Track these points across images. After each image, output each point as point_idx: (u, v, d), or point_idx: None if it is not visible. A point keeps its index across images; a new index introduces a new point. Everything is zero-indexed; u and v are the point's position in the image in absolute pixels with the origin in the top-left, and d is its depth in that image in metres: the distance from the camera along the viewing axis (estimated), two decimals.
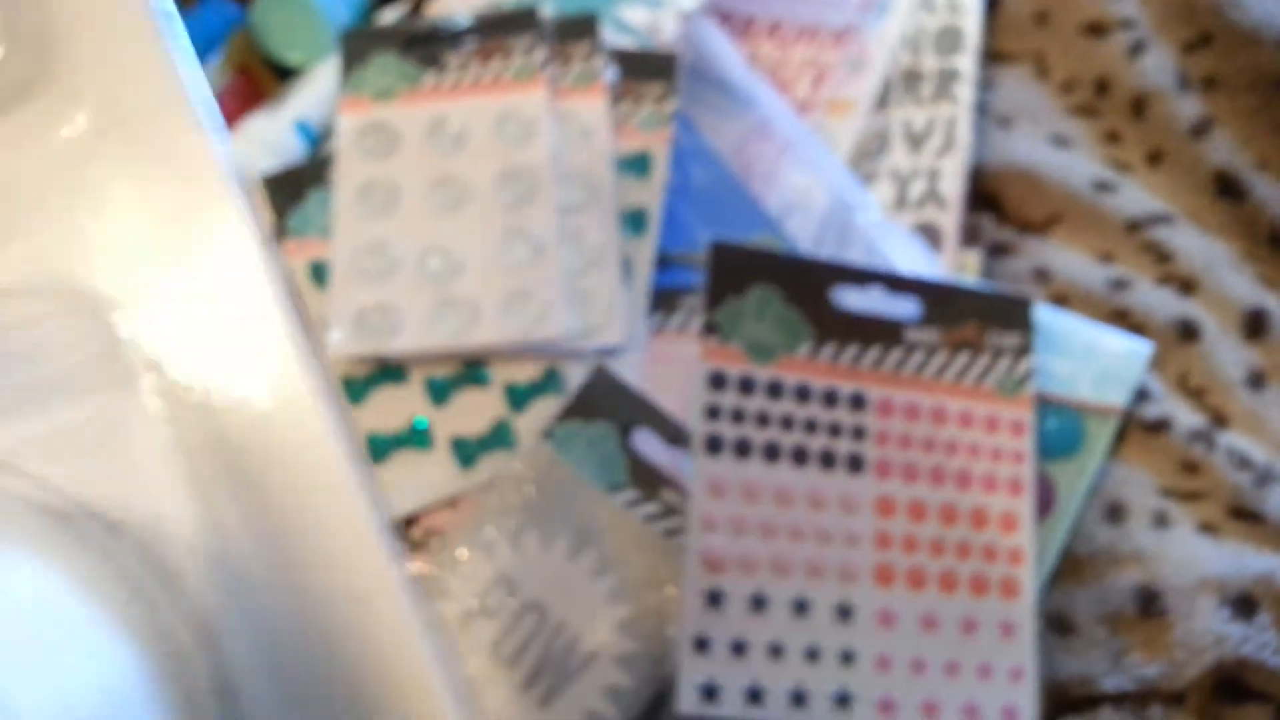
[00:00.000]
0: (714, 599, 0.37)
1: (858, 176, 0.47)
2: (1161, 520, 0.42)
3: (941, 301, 0.41)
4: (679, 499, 0.39)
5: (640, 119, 0.44)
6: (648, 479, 0.39)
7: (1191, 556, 0.41)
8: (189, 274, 0.21)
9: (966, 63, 0.48)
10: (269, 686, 0.21)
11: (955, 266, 0.45)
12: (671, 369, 0.41)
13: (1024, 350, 0.41)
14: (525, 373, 0.40)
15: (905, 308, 0.41)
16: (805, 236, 0.45)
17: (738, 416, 0.39)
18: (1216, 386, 0.44)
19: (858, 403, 0.40)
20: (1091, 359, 0.42)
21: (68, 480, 0.17)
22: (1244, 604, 0.39)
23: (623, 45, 0.45)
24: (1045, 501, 0.41)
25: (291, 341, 0.20)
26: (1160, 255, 0.46)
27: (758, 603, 0.38)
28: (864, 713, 0.37)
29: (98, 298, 0.18)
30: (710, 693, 0.36)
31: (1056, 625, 0.41)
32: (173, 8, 0.24)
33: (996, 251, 0.47)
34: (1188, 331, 0.45)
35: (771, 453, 0.39)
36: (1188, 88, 0.49)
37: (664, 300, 0.42)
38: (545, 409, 0.40)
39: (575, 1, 0.46)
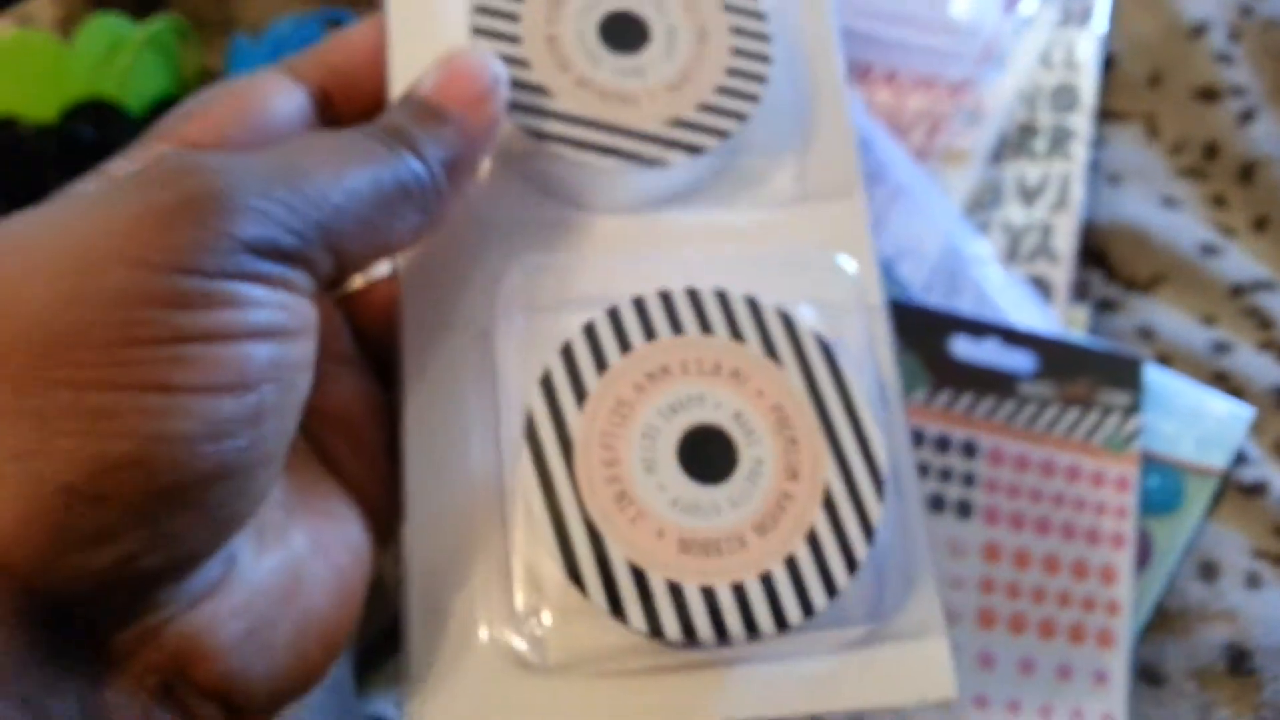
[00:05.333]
0: None
1: (971, 227, 0.49)
2: (1254, 581, 0.43)
3: (1056, 357, 0.42)
4: None
5: None
6: None
7: None
8: None
9: (1082, 121, 0.49)
10: None
11: (1064, 321, 0.46)
12: None
13: (1133, 408, 0.42)
14: None
15: (1020, 361, 0.42)
16: (916, 281, 0.47)
17: None
18: None
19: (969, 450, 0.41)
20: (1195, 420, 0.43)
21: None
22: None
23: None
24: (1142, 556, 0.42)
25: None
26: (1262, 321, 0.48)
27: None
28: None
29: None
30: None
31: (1147, 676, 0.42)
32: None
33: (1103, 307, 0.48)
34: None
35: None
36: None
37: None
38: None
39: None
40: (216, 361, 0.17)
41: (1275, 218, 0.49)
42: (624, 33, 0.26)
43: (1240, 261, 0.49)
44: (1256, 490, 0.44)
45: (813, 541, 0.21)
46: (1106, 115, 0.52)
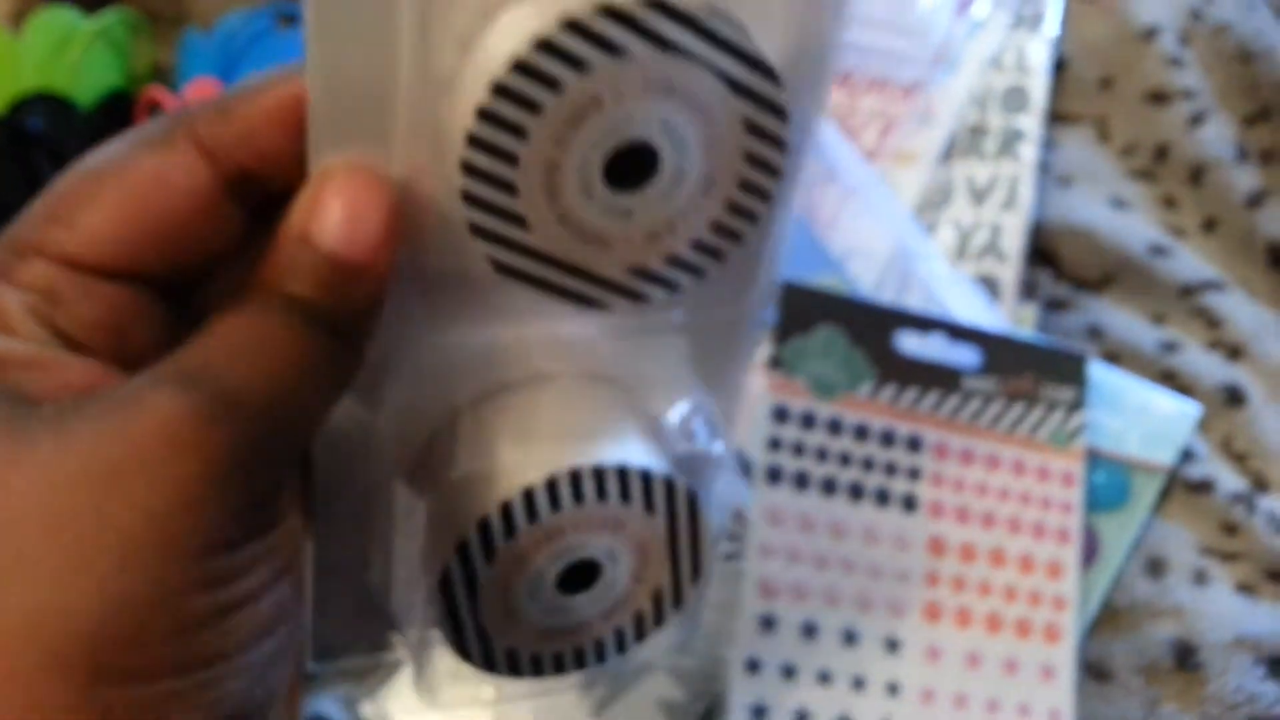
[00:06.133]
0: (767, 623, 0.39)
1: (920, 226, 0.49)
2: (1200, 578, 0.43)
3: (1000, 352, 0.42)
4: (738, 526, 0.40)
5: None
6: None
7: (1228, 614, 0.42)
8: None
9: (1031, 123, 0.50)
10: None
11: (1012, 319, 0.46)
12: None
13: (1077, 404, 0.42)
14: None
15: (965, 356, 0.42)
16: (867, 280, 0.47)
17: (798, 449, 0.40)
18: (1259, 451, 0.46)
19: (914, 445, 0.41)
20: (1142, 417, 0.44)
21: None
22: (1278, 665, 0.41)
23: None
24: (1089, 552, 0.42)
25: None
26: (1210, 321, 0.48)
27: (809, 630, 0.39)
28: None
29: None
30: (759, 713, 0.38)
31: (1094, 672, 0.42)
32: None
33: (1052, 306, 0.48)
34: (1233, 397, 0.46)
35: (829, 487, 0.40)
36: (1245, 160, 0.50)
37: None
38: None
39: None
40: (248, 621, 0.20)
41: (1224, 219, 0.50)
42: (631, 166, 0.23)
43: (1190, 262, 0.49)
44: (1203, 487, 0.44)
45: (638, 620, 0.28)
46: (1058, 117, 0.52)
